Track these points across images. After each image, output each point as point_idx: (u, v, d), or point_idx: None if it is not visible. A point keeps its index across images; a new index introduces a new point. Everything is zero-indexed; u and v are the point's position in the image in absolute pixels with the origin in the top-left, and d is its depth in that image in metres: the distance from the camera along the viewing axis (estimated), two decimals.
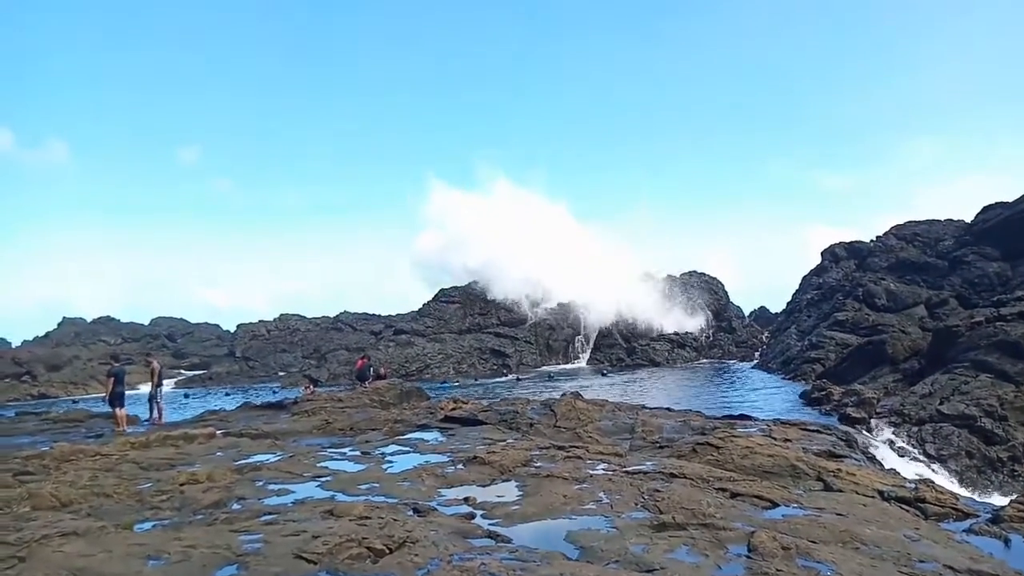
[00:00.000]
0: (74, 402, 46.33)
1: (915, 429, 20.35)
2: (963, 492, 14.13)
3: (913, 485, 9.87)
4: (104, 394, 17.86)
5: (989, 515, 8.26)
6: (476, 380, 59.46)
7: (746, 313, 78.50)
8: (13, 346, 78.37)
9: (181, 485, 8.92)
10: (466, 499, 8.21)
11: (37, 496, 8.06)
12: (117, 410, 17.19)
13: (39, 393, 56.97)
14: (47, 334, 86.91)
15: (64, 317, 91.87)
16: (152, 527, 7.00)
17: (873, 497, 8.66)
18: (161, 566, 5.25)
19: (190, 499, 8.20)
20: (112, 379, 17.39)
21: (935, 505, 8.54)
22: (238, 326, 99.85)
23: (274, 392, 47.16)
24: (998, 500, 11.61)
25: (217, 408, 24.77)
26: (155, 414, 19.12)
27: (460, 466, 10.27)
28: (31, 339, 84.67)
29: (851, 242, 60.58)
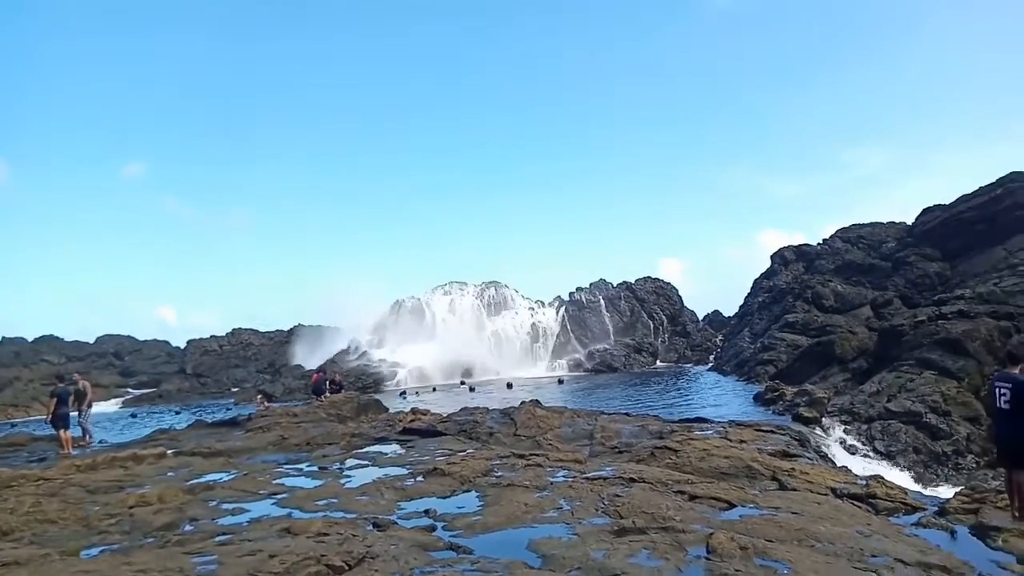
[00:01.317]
0: (12, 425, 44.47)
1: (864, 427, 20.93)
2: (912, 487, 14.56)
3: (864, 482, 10.13)
4: (46, 416, 17.21)
5: (936, 508, 8.51)
6: (434, 389, 59.10)
7: (700, 317, 79.77)
8: None
9: (130, 508, 8.64)
10: (426, 511, 8.13)
11: None
12: (61, 432, 16.62)
13: (68, 408, 54.56)
14: None
15: (3, 336, 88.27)
16: (100, 552, 6.75)
17: (826, 495, 8.85)
18: None
19: (140, 522, 7.94)
20: (55, 400, 16.81)
21: (885, 500, 8.77)
22: (188, 342, 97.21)
23: (227, 409, 46.06)
24: (944, 493, 11.98)
25: (168, 427, 24.07)
26: (87, 437, 18.59)
27: (420, 478, 10.19)
28: None
29: (800, 245, 62.24)
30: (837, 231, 57.65)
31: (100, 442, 20.83)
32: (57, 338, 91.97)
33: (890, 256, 46.59)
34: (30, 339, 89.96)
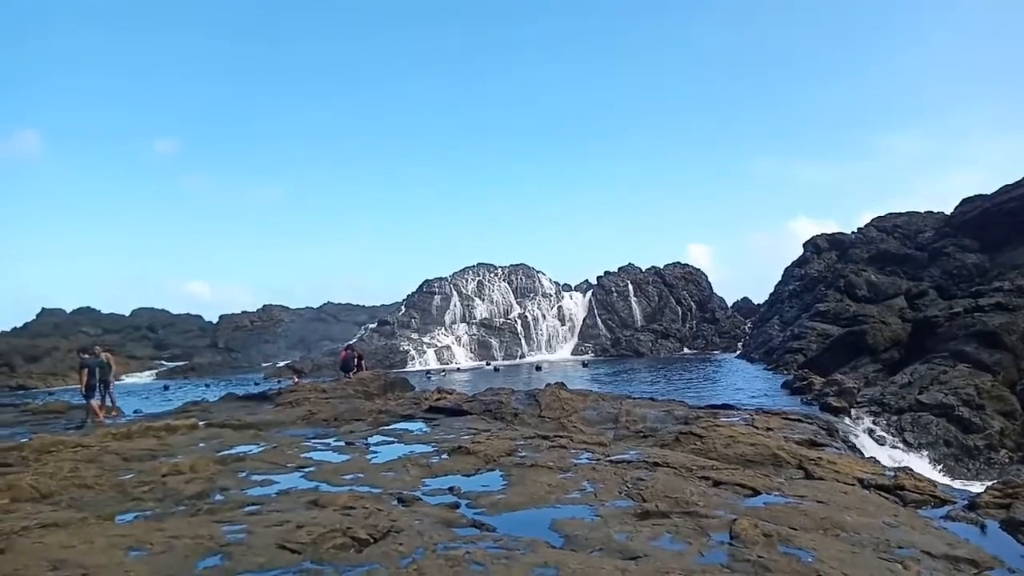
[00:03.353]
0: (50, 394, 45.79)
1: (894, 418, 20.61)
2: (941, 479, 14.35)
3: (892, 473, 10.00)
4: (81, 387, 17.60)
5: (966, 502, 8.39)
6: (459, 370, 59.48)
7: (729, 304, 79.02)
8: None
9: (163, 476, 8.86)
10: (451, 489, 8.22)
11: (16, 487, 7.97)
12: (92, 402, 17.03)
13: (17, 384, 56.17)
14: (25, 325, 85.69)
15: (43, 308, 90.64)
16: (134, 518, 6.95)
17: (853, 485, 8.76)
18: (143, 557, 5.22)
19: (172, 490, 8.14)
20: (86, 370, 17.20)
21: (914, 492, 8.66)
22: (220, 317, 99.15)
23: (257, 383, 46.88)
24: (975, 487, 11.79)
25: (199, 399, 24.59)
26: (114, 408, 19.01)
27: (445, 456, 10.28)
28: (8, 330, 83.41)
29: (833, 234, 61.23)
30: (872, 220, 56.64)
31: (135, 412, 21.40)
32: (94, 310, 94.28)
33: (927, 246, 45.64)
34: (68, 311, 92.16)
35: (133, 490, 8.22)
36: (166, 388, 51.29)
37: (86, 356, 18.43)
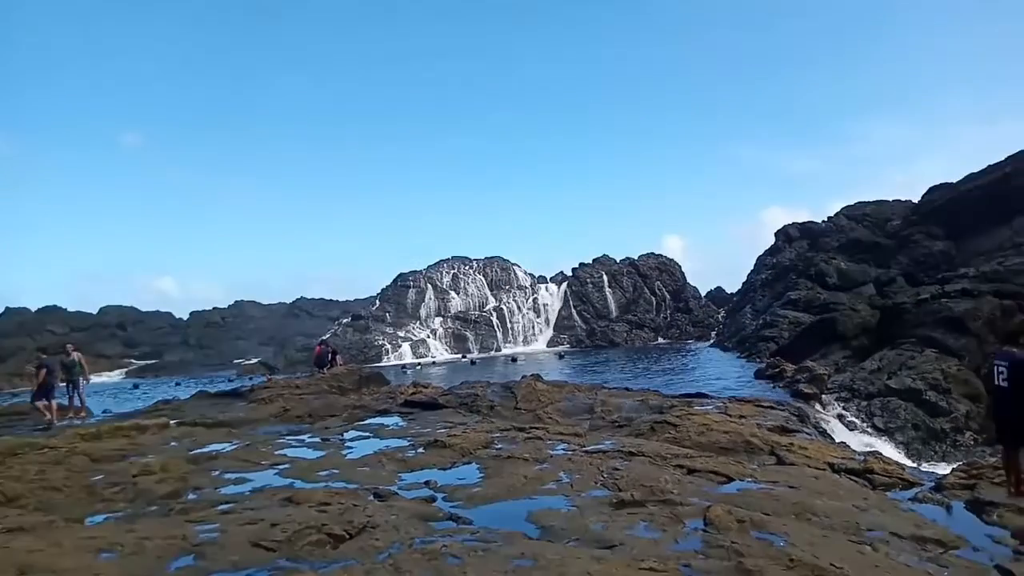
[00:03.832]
0: (14, 395, 44.76)
1: (864, 403, 20.98)
2: (909, 463, 14.66)
3: (862, 457, 10.20)
4: (33, 387, 17.04)
5: (933, 484, 8.58)
6: (435, 364, 59.37)
7: (703, 293, 79.79)
8: None
9: (134, 477, 8.72)
10: (427, 483, 8.20)
11: None
12: (42, 403, 16.65)
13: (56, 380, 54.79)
14: None
15: (7, 307, 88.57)
16: (104, 520, 6.84)
17: (824, 470, 8.91)
18: (114, 559, 5.13)
19: (144, 491, 8.02)
20: (44, 370, 16.80)
21: (882, 476, 8.83)
22: (191, 313, 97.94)
23: (229, 380, 46.34)
24: (941, 469, 12.06)
25: (170, 398, 24.23)
26: (82, 409, 18.62)
27: (421, 450, 10.26)
28: None
29: (804, 222, 62.08)
30: (842, 208, 57.49)
31: (104, 412, 21.03)
32: (60, 309, 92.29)
33: (895, 234, 46.43)
34: (34, 309, 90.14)
35: (103, 491, 8.08)
36: (136, 387, 50.48)
37: (44, 356, 18.05)
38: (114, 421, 15.14)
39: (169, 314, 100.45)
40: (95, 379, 63.38)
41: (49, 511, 7.12)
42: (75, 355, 18.65)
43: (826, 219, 59.32)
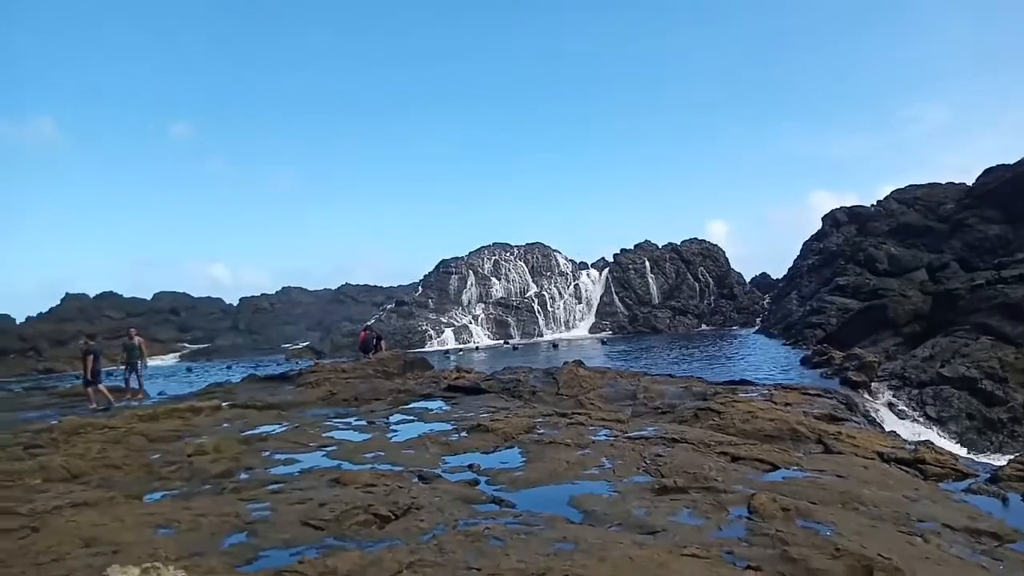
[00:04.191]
0: (77, 378, 46.51)
1: (915, 392, 20.44)
2: (963, 453, 14.26)
3: (913, 447, 9.97)
4: (84, 373, 17.62)
5: (988, 475, 8.35)
6: (478, 349, 59.74)
7: (747, 279, 78.38)
8: (18, 322, 78.43)
9: (189, 456, 9.03)
10: (470, 466, 8.30)
11: (48, 468, 8.17)
12: (91, 389, 17.21)
13: (45, 368, 57.15)
14: (51, 310, 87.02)
15: (67, 293, 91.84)
16: (162, 497, 7.11)
17: (873, 459, 8.74)
18: (172, 535, 5.34)
19: (198, 470, 8.30)
20: (91, 357, 17.36)
21: (934, 466, 8.62)
22: (241, 299, 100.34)
23: (279, 364, 47.39)
24: (997, 460, 11.71)
25: (222, 381, 24.94)
26: (134, 385, 19.26)
27: (464, 434, 10.38)
28: (35, 315, 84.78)
29: (852, 207, 60.47)
30: (892, 192, 55.78)
31: (160, 394, 21.75)
32: (116, 295, 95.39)
33: (948, 218, 44.88)
34: (91, 295, 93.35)
35: (160, 470, 8.40)
36: (189, 370, 52.01)
37: (92, 343, 18.65)
38: (169, 403, 15.68)
39: (220, 300, 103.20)
40: (151, 362, 65.44)
41: (110, 488, 7.43)
42: (136, 339, 19.34)
43: (875, 203, 57.66)
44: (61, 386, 26.78)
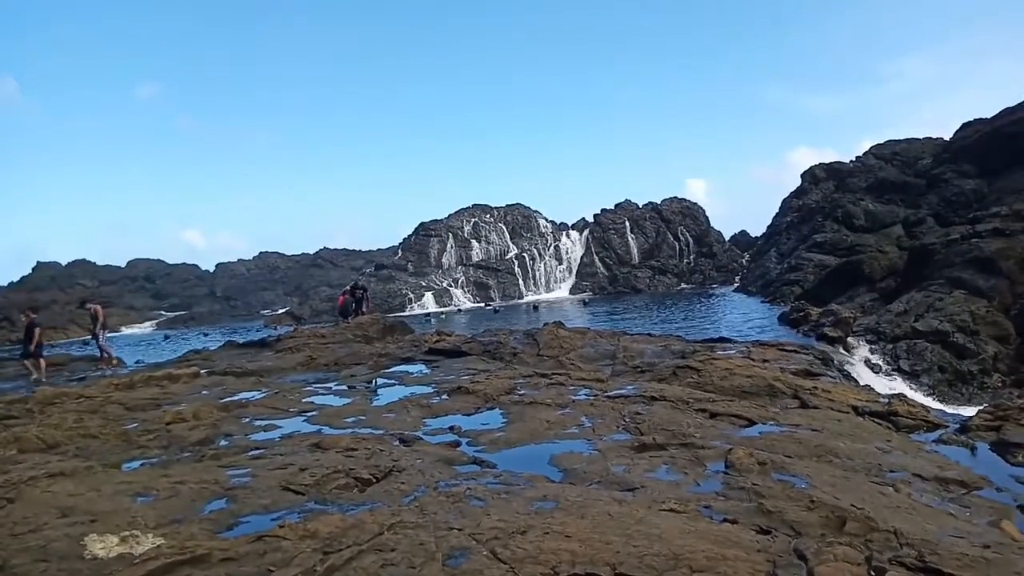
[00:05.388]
0: (53, 346, 45.95)
1: (890, 346, 20.82)
2: (934, 405, 14.58)
3: (886, 400, 10.16)
4: (32, 346, 17.48)
5: (957, 426, 8.55)
6: (459, 311, 59.82)
7: (727, 237, 78.85)
8: None
9: (167, 424, 8.95)
10: (451, 428, 8.33)
11: (23, 439, 8.06)
12: (39, 360, 17.06)
13: (17, 339, 56.25)
14: (23, 279, 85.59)
15: (38, 261, 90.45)
16: (140, 465, 7.05)
17: (847, 413, 8.90)
18: (150, 502, 5.30)
19: (177, 437, 8.24)
20: (37, 330, 17.23)
21: (906, 418, 8.80)
22: (217, 265, 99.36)
23: (258, 331, 47.15)
24: (967, 411, 11.99)
25: (200, 348, 24.74)
26: (111, 358, 19.15)
27: (445, 396, 10.40)
28: (6, 285, 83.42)
29: (831, 163, 60.75)
30: (871, 148, 56.04)
31: (136, 362, 21.57)
32: (89, 262, 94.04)
33: (925, 173, 45.24)
34: (64, 263, 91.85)
35: (138, 438, 8.32)
36: (166, 338, 51.63)
37: (34, 315, 18.41)
38: (146, 371, 15.53)
39: (196, 266, 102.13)
40: (126, 331, 64.86)
41: (87, 457, 7.35)
42: (93, 308, 19.23)
43: (854, 159, 57.89)
44: None
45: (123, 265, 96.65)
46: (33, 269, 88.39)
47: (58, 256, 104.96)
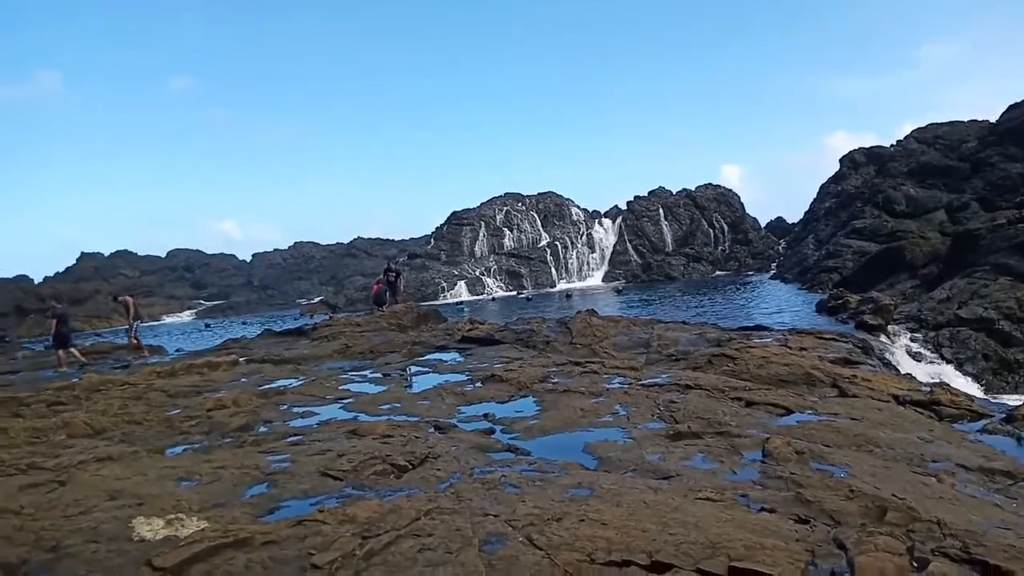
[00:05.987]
0: (97, 335, 47.22)
1: (932, 334, 20.35)
2: (979, 394, 14.23)
3: (928, 388, 9.94)
4: (50, 335, 18.03)
5: (1003, 415, 8.32)
6: (492, 300, 59.96)
7: (762, 224, 77.55)
8: (36, 282, 79.46)
9: (208, 411, 9.16)
10: (485, 415, 8.37)
11: (72, 424, 8.34)
12: (60, 352, 17.42)
13: (70, 328, 57.73)
14: (67, 269, 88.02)
15: (83, 252, 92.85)
16: (183, 451, 7.23)
17: (888, 402, 8.73)
18: (194, 487, 5.44)
19: (218, 423, 8.43)
20: (56, 320, 17.58)
21: (950, 407, 8.60)
22: (253, 255, 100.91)
23: (295, 319, 47.84)
24: (1013, 400, 11.67)
25: (238, 336, 25.21)
26: (141, 348, 19.60)
27: (478, 384, 10.45)
28: (52, 275, 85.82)
29: (871, 147, 59.31)
30: (912, 131, 54.42)
31: (177, 350, 22.06)
32: (131, 253, 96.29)
33: (970, 157, 43.87)
34: (107, 254, 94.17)
35: (180, 424, 8.54)
36: (207, 326, 52.71)
37: (58, 306, 18.87)
38: (187, 359, 15.88)
39: (233, 256, 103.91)
40: (168, 319, 66.42)
41: (132, 442, 7.57)
42: (123, 299, 19.73)
43: (895, 143, 56.38)
44: (80, 344, 27.19)
45: (163, 255, 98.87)
46: (77, 260, 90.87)
47: (101, 247, 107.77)
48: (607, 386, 9.64)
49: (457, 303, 56.90)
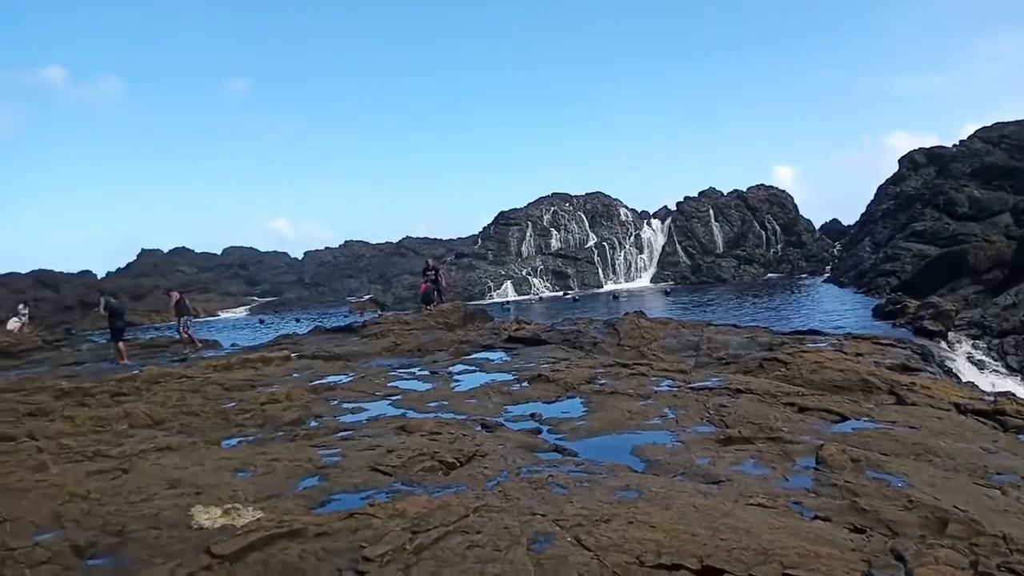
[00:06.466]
0: (156, 329, 48.81)
1: (996, 341, 19.60)
2: None
3: (992, 397, 9.56)
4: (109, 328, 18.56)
5: None
6: (539, 300, 59.93)
7: (816, 226, 75.58)
8: (99, 278, 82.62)
9: (262, 404, 9.40)
10: (532, 415, 8.38)
11: (133, 415, 8.65)
12: (120, 344, 17.90)
13: (125, 321, 59.89)
14: (128, 265, 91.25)
15: (142, 249, 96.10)
16: (238, 443, 7.43)
17: (949, 410, 8.43)
18: (249, 478, 5.59)
19: (271, 417, 8.64)
20: (110, 314, 18.05)
21: (1015, 418, 8.25)
22: (305, 253, 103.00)
23: (345, 316, 48.64)
24: None
25: (290, 333, 25.77)
26: (194, 342, 20.07)
27: (525, 384, 10.47)
28: (114, 270, 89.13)
29: (932, 148, 57.31)
30: (977, 131, 52.31)
31: (232, 345, 22.68)
32: (188, 250, 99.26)
33: None
34: (165, 251, 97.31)
35: (235, 417, 8.78)
36: (261, 322, 54.00)
37: (113, 300, 19.40)
38: (242, 354, 16.32)
39: (285, 254, 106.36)
40: (223, 315, 68.30)
41: (190, 433, 7.82)
42: (172, 295, 20.30)
43: (957, 143, 54.32)
44: (141, 338, 28.19)
45: (219, 252, 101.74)
46: (137, 256, 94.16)
47: (160, 244, 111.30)
48: (655, 389, 9.55)
49: (503, 303, 57.00)
